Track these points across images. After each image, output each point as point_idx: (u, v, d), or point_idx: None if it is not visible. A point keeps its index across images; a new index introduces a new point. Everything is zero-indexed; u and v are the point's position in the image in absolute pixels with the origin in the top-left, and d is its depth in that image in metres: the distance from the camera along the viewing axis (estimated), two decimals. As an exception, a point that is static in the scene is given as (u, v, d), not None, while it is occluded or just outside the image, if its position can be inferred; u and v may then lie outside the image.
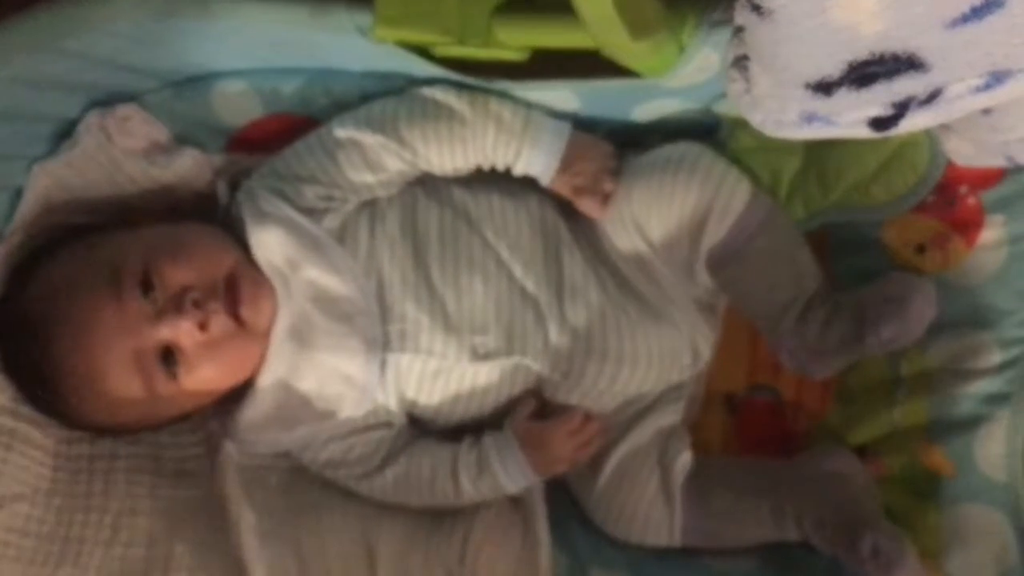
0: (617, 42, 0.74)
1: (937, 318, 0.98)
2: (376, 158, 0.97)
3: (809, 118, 0.67)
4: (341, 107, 1.00)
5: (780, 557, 1.04)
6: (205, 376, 0.94)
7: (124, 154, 0.97)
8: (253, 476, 1.03)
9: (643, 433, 1.05)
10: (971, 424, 0.98)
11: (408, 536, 1.01)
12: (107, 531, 0.99)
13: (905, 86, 0.63)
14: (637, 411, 1.06)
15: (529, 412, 1.03)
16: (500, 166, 0.99)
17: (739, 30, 0.68)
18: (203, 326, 0.92)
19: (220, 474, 1.02)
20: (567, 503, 1.08)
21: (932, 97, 0.64)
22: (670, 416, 1.07)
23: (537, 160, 0.98)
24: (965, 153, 0.87)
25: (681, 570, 1.05)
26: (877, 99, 0.64)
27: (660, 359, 1.02)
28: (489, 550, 0.99)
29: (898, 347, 0.99)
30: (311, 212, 0.98)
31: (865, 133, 0.67)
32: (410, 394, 1.00)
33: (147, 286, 0.92)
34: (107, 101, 0.97)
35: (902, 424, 1.02)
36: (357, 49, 0.90)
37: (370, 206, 1.01)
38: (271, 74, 0.99)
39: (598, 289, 1.01)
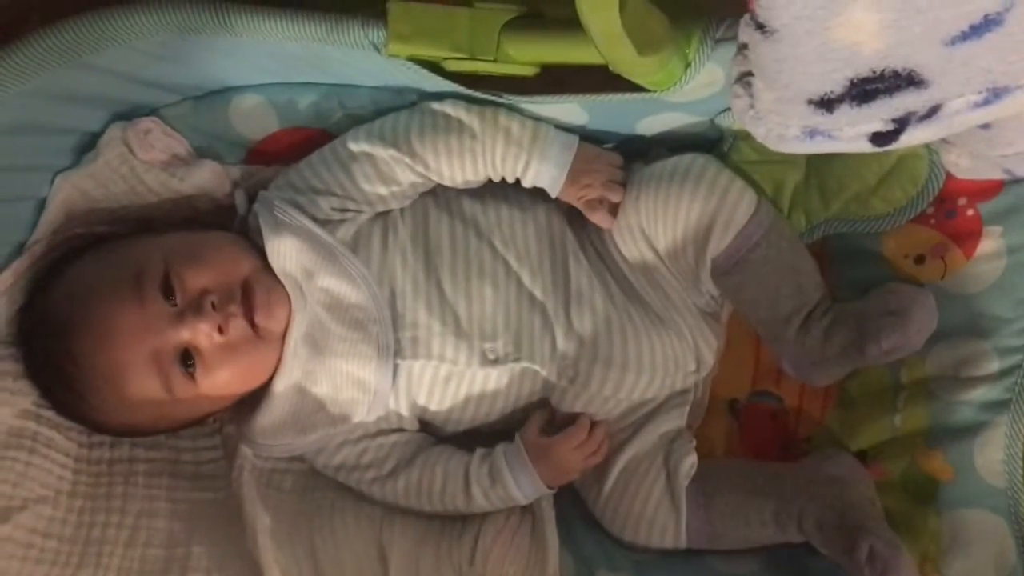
0: (624, 58, 0.75)
1: (936, 327, 0.99)
2: (389, 171, 0.99)
3: (811, 133, 0.68)
4: (355, 120, 1.02)
5: (783, 559, 1.05)
6: (222, 378, 0.96)
7: (145, 166, 0.99)
8: (269, 479, 1.05)
9: (648, 438, 1.06)
10: (971, 430, 0.99)
11: (419, 538, 1.03)
12: (127, 532, 1.00)
13: (905, 102, 0.64)
14: (642, 416, 1.07)
15: (540, 425, 1.04)
16: (510, 178, 1.01)
17: (743, 47, 0.69)
18: (221, 329, 0.94)
19: (237, 476, 1.03)
20: (575, 506, 1.09)
21: (932, 113, 0.65)
22: (674, 421, 1.08)
23: (546, 172, 0.99)
24: (964, 166, 0.88)
25: (686, 572, 1.05)
26: (878, 115, 0.65)
27: (665, 366, 1.03)
28: (498, 552, 1.00)
29: (898, 358, 1.00)
30: (326, 223, 0.99)
31: (866, 147, 0.68)
32: (421, 399, 1.02)
33: (168, 289, 0.94)
34: (128, 114, 0.99)
35: (902, 430, 1.03)
36: (371, 64, 0.91)
37: (383, 217, 1.02)
38: (287, 88, 1.01)
39: (604, 296, 1.02)
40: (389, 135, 0.99)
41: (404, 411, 1.03)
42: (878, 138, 0.67)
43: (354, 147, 0.99)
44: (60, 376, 0.95)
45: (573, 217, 1.06)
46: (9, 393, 0.96)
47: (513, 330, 1.00)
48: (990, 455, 0.98)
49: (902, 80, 0.63)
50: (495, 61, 0.88)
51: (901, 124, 0.66)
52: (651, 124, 1.01)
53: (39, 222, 0.97)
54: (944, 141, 0.87)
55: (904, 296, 0.99)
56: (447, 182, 1.01)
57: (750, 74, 0.71)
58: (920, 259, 1.02)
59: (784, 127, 0.70)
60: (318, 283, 0.98)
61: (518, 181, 1.01)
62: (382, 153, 0.98)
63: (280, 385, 1.00)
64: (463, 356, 0.99)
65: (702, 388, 1.12)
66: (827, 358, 1.01)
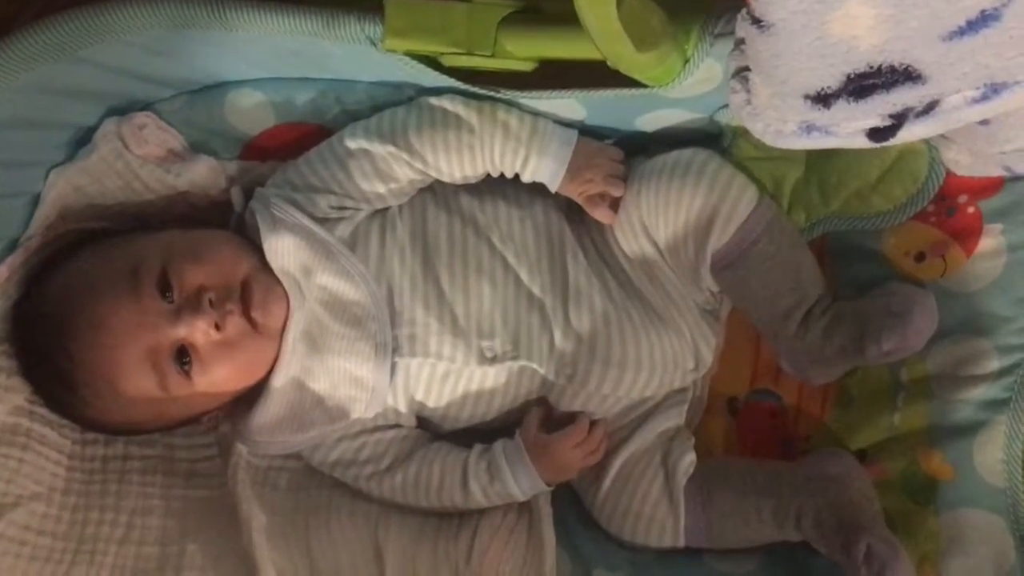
0: (622, 53, 0.75)
1: (937, 325, 0.99)
2: (387, 168, 0.98)
3: (808, 128, 0.68)
4: (352, 116, 1.02)
5: (782, 559, 1.05)
6: (218, 376, 0.95)
7: (139, 161, 0.99)
8: (264, 477, 1.05)
9: (646, 436, 1.06)
10: (970, 429, 0.98)
11: (415, 536, 1.02)
12: (121, 530, 1.00)
13: (902, 98, 0.64)
14: (640, 415, 1.07)
15: (538, 422, 1.04)
16: (508, 173, 1.00)
17: (740, 42, 0.69)
18: (218, 326, 0.93)
19: (231, 474, 1.03)
20: (572, 505, 1.09)
21: (929, 108, 0.65)
22: (673, 419, 1.08)
23: (545, 167, 0.99)
24: (963, 163, 0.88)
25: (684, 572, 1.05)
26: (875, 110, 0.65)
27: (663, 364, 1.03)
28: (495, 550, 1.00)
29: (898, 359, 1.00)
30: (324, 220, 0.99)
31: (863, 143, 0.68)
32: (419, 397, 1.01)
33: (165, 286, 0.93)
34: (123, 109, 0.99)
35: (902, 429, 1.03)
36: (368, 59, 0.91)
37: (381, 214, 1.02)
38: (284, 83, 1.00)
39: (602, 294, 1.02)
40: (387, 131, 0.98)
41: (402, 408, 1.02)
42: (875, 134, 0.67)
43: (351, 144, 0.98)
44: (54, 372, 0.95)
45: (572, 214, 1.06)
46: (2, 390, 0.95)
47: (511, 328, 0.99)
48: (990, 454, 0.97)
49: (899, 75, 0.63)
50: (492, 56, 0.88)
51: (899, 120, 0.66)
52: (650, 120, 1.01)
53: (33, 218, 0.97)
54: (944, 138, 0.87)
55: (905, 297, 0.98)
56: (445, 178, 1.01)
57: (747, 69, 0.71)
58: (920, 257, 1.01)
59: (781, 122, 0.70)
60: (316, 281, 0.98)
61: (517, 177, 1.01)
62: (380, 150, 0.98)
63: (278, 382, 0.99)
64: (460, 354, 0.99)
65: (701, 386, 1.11)
66: (826, 356, 1.00)
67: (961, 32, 0.60)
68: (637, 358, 1.01)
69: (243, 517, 1.00)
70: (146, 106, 1.00)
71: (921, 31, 0.60)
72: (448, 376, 1.00)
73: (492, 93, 0.96)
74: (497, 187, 1.04)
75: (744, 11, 0.65)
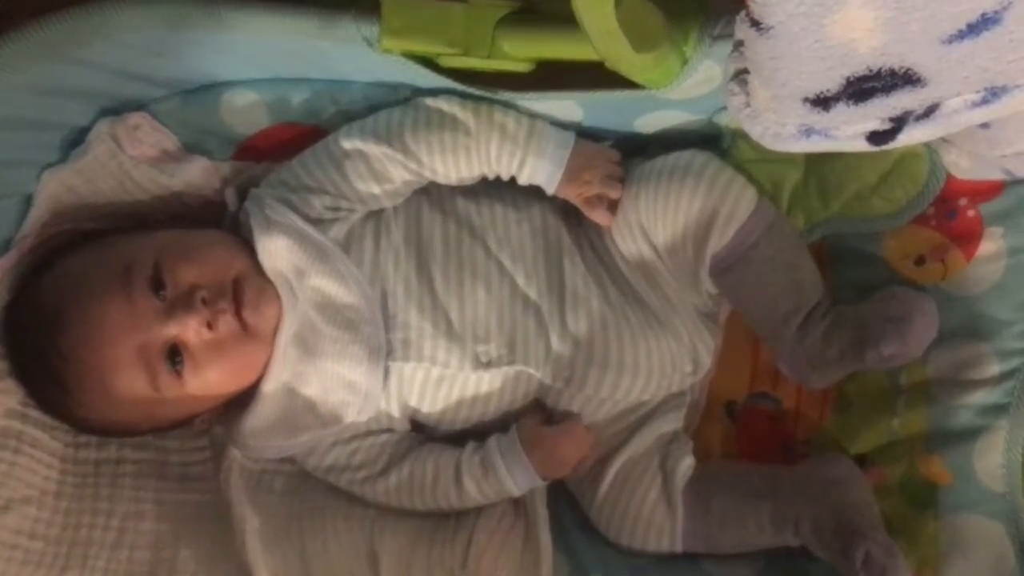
0: (620, 55, 0.74)
1: (937, 331, 0.99)
2: (382, 168, 0.98)
3: (808, 131, 0.68)
4: (348, 116, 1.01)
5: (780, 564, 1.04)
6: (209, 378, 0.95)
7: (133, 162, 0.99)
8: (258, 480, 1.05)
9: (644, 440, 1.05)
10: (970, 434, 0.98)
11: (411, 540, 1.02)
12: (113, 534, 1.00)
13: (902, 101, 0.64)
14: (638, 418, 1.06)
15: (538, 420, 1.03)
16: (504, 175, 1.00)
17: (739, 45, 0.68)
18: (211, 325, 0.93)
19: (225, 478, 1.03)
20: (569, 509, 1.09)
21: (929, 112, 0.65)
22: (671, 423, 1.07)
23: (542, 169, 0.98)
24: (964, 166, 0.88)
25: (681, 576, 1.05)
26: (874, 113, 0.65)
27: (661, 368, 1.03)
28: (491, 554, 0.99)
29: (897, 365, 0.99)
30: (318, 222, 0.99)
31: (863, 146, 0.68)
32: (413, 402, 1.01)
33: (157, 284, 0.93)
34: (117, 109, 0.99)
35: (901, 434, 1.03)
36: (364, 59, 0.91)
37: (376, 216, 1.02)
38: (279, 84, 1.00)
39: (599, 298, 1.01)
40: (382, 132, 0.98)
41: (395, 412, 1.02)
42: (875, 137, 0.67)
43: (347, 144, 0.98)
44: (46, 371, 0.94)
45: (569, 217, 1.05)
46: (-5, 392, 0.95)
47: (507, 332, 0.99)
48: (989, 459, 0.97)
49: (899, 79, 0.62)
50: (490, 57, 0.87)
51: (899, 123, 0.66)
52: (648, 122, 1.00)
53: (26, 218, 0.96)
54: (944, 141, 0.87)
55: (906, 302, 0.98)
56: (441, 179, 1.00)
57: (746, 72, 0.71)
58: (920, 260, 1.01)
59: (780, 125, 0.70)
60: (309, 283, 0.98)
61: (513, 180, 1.01)
62: (375, 150, 0.97)
63: (269, 386, 0.99)
64: (455, 359, 0.98)
65: (699, 390, 1.11)
66: (825, 361, 1.00)
67: (961, 35, 0.59)
68: (634, 362, 1.01)
69: (237, 521, 1.00)
70: (140, 106, 1.00)
71: (921, 34, 0.59)
72: (442, 381, 1.00)
73: (489, 94, 0.95)
74: (493, 190, 1.04)
75: (743, 13, 0.64)
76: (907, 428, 1.02)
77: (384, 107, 1.00)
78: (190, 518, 1.03)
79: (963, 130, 0.70)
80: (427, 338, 0.98)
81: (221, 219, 1.03)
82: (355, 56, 0.91)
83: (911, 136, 0.66)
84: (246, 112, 1.01)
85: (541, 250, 1.02)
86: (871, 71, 0.62)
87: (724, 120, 0.98)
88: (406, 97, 1.00)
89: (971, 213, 0.97)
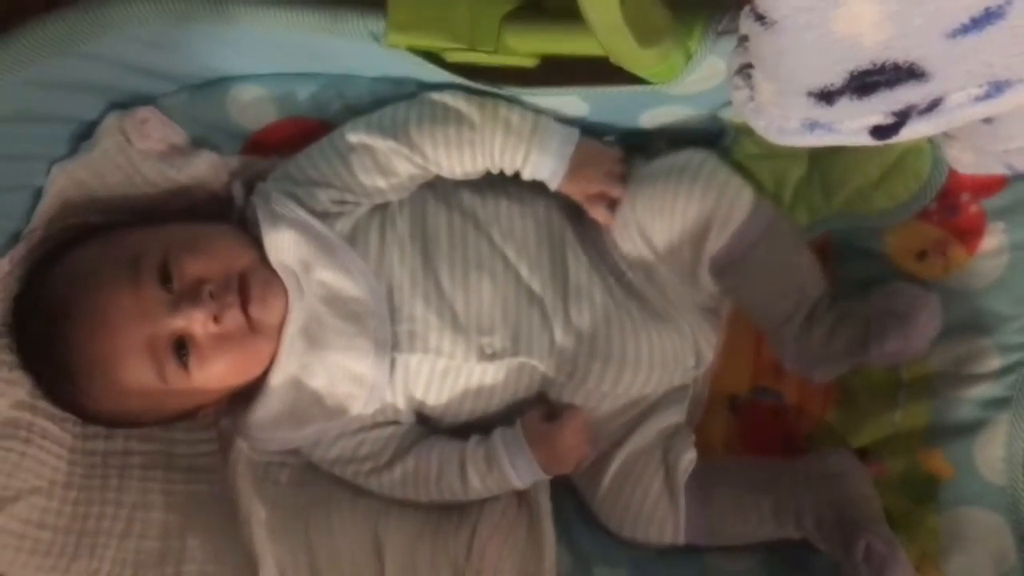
0: (625, 49, 0.74)
1: (940, 327, 0.99)
2: (388, 163, 0.98)
3: (811, 126, 0.68)
4: (354, 111, 1.02)
5: (782, 557, 1.05)
6: (215, 370, 0.95)
7: (142, 156, 0.99)
8: (264, 471, 1.05)
9: (647, 433, 1.06)
10: (971, 428, 0.98)
11: (415, 531, 1.02)
12: (121, 524, 1.01)
13: (906, 95, 0.64)
14: (641, 412, 1.07)
15: (542, 413, 1.03)
16: (508, 170, 1.00)
17: (743, 39, 0.69)
18: (217, 318, 0.93)
19: (232, 469, 1.04)
20: (572, 501, 1.09)
21: (932, 106, 0.65)
22: (674, 416, 1.08)
23: (545, 165, 0.99)
24: (966, 161, 0.88)
25: (683, 569, 1.05)
26: (878, 108, 0.65)
27: (663, 361, 1.03)
28: (495, 545, 1.00)
29: (901, 360, 1.00)
30: (324, 215, 0.99)
31: (866, 141, 0.68)
32: (418, 394, 1.01)
33: (165, 276, 0.94)
34: (126, 103, 0.99)
35: (903, 427, 1.03)
36: (370, 54, 0.91)
37: (381, 209, 1.02)
38: (286, 78, 1.00)
39: (602, 291, 1.02)
40: (388, 126, 0.98)
41: (401, 405, 1.02)
42: (879, 131, 0.67)
43: (352, 138, 0.98)
44: (54, 361, 0.95)
45: (573, 213, 1.05)
46: (4, 383, 0.96)
47: (511, 324, 0.99)
48: (991, 453, 0.97)
49: (903, 73, 0.62)
50: (495, 52, 0.87)
51: (902, 117, 0.66)
52: (652, 117, 1.00)
53: (35, 212, 0.97)
54: (947, 136, 0.87)
55: (909, 298, 0.98)
56: (446, 173, 1.00)
57: (750, 66, 0.71)
58: (922, 255, 1.01)
59: (784, 120, 0.70)
60: (315, 276, 0.98)
61: (518, 175, 1.01)
62: (380, 144, 0.98)
63: (276, 379, 0.99)
64: (460, 350, 0.99)
65: (701, 384, 1.11)
66: (829, 356, 1.00)
67: (965, 29, 0.59)
68: (637, 355, 1.01)
69: (243, 511, 1.00)
70: (148, 101, 1.00)
71: (925, 28, 0.60)
72: (447, 372, 1.00)
73: (494, 89, 0.96)
74: (499, 184, 1.04)
75: (748, 8, 0.64)
76: (908, 422, 1.03)
77: (390, 101, 1.01)
78: (197, 508, 1.03)
79: (966, 125, 0.70)
80: (432, 330, 0.98)
81: (228, 213, 1.03)
82: (361, 51, 0.91)
83: (914, 131, 0.66)
84: (253, 107, 1.02)
85: (545, 243, 1.02)
86: (875, 65, 0.62)
87: (728, 115, 0.98)
88: (412, 92, 1.00)
89: (973, 208, 0.97)
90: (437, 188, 1.04)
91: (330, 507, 1.04)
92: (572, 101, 0.97)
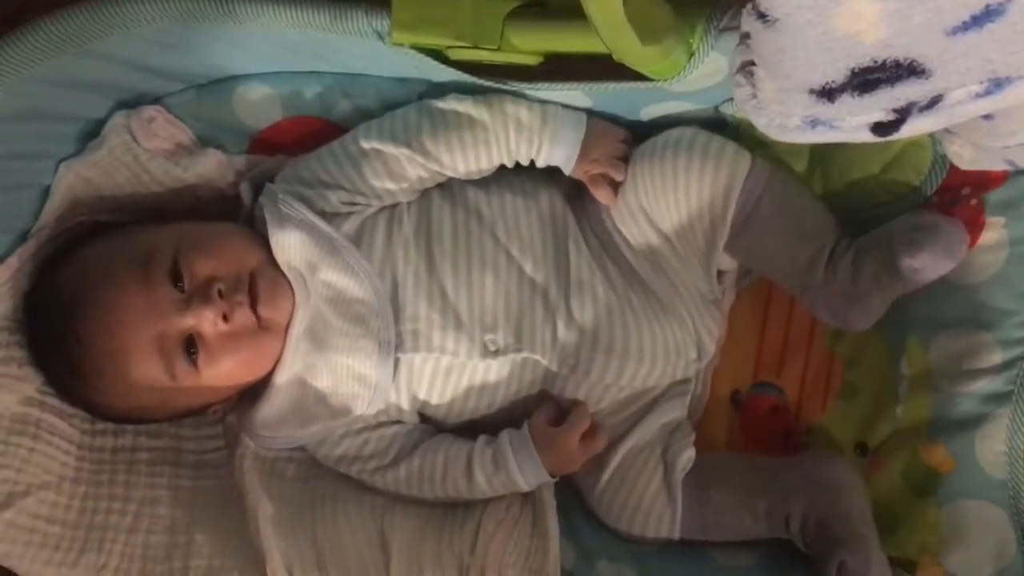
0: (628, 47, 0.75)
1: (939, 317, 1.00)
2: (399, 168, 0.99)
3: (812, 123, 0.68)
4: (359, 109, 1.02)
5: (783, 553, 1.04)
6: (224, 368, 0.96)
7: (148, 154, 1.00)
8: (271, 468, 1.06)
9: (648, 428, 1.06)
10: (972, 422, 0.98)
11: (421, 527, 1.03)
12: (129, 519, 1.01)
13: (906, 92, 0.64)
14: (643, 406, 1.07)
15: (548, 417, 1.03)
16: (524, 161, 1.01)
17: (745, 37, 0.69)
18: (227, 317, 0.94)
19: (239, 465, 1.04)
20: (575, 496, 1.10)
21: (933, 103, 0.65)
22: (675, 411, 1.08)
23: (559, 153, 1.00)
24: (967, 157, 0.87)
25: (685, 565, 1.05)
26: (879, 105, 0.65)
27: (665, 353, 1.03)
28: (499, 540, 1.00)
29: (931, 279, 0.96)
30: (333, 216, 1.00)
31: (867, 137, 0.68)
32: (422, 394, 1.02)
33: (176, 275, 0.94)
34: (133, 102, 1.00)
35: (904, 421, 1.03)
36: (375, 53, 0.91)
37: (389, 209, 1.03)
38: (291, 77, 1.01)
39: (604, 284, 1.02)
40: (400, 134, 0.99)
41: (405, 405, 1.03)
42: (880, 128, 0.67)
43: (364, 144, 0.99)
44: (64, 357, 0.96)
45: (574, 202, 1.06)
46: (14, 379, 0.96)
47: (514, 320, 1.00)
48: (991, 447, 0.97)
49: (903, 70, 0.63)
50: (499, 50, 0.88)
51: (903, 114, 0.66)
52: (654, 112, 1.01)
53: (43, 210, 0.98)
54: (947, 131, 0.87)
55: (932, 217, 0.97)
56: (461, 175, 1.01)
57: (752, 63, 0.71)
58: (923, 249, 1.01)
59: (786, 117, 0.70)
60: (321, 277, 0.99)
61: (519, 164, 1.02)
62: (393, 151, 0.98)
63: (281, 378, 1.00)
64: (464, 348, 0.99)
65: (703, 378, 1.12)
66: (861, 291, 0.98)
67: (965, 27, 0.60)
68: (639, 347, 1.02)
69: (250, 507, 1.01)
70: (155, 100, 1.01)
71: (925, 26, 0.60)
72: (451, 371, 1.01)
73: (498, 85, 0.96)
74: (502, 177, 1.05)
75: (749, 6, 0.65)
76: (910, 416, 1.03)
77: (395, 100, 1.02)
78: (204, 504, 1.04)
79: (966, 121, 0.70)
80: (436, 328, 0.99)
81: (235, 212, 1.04)
82: (366, 49, 0.91)
83: (915, 127, 0.66)
84: (259, 106, 1.02)
85: (549, 238, 1.03)
86: (876, 63, 0.62)
87: (730, 111, 0.98)
88: (416, 90, 1.01)
89: (973, 202, 0.97)
90: (443, 186, 1.04)
91: (336, 502, 1.04)
92: (575, 96, 0.98)
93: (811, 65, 0.64)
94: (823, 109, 0.67)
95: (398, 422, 1.05)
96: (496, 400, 1.04)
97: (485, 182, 1.04)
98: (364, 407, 1.00)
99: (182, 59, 0.96)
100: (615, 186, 1.02)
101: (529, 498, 1.05)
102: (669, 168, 0.99)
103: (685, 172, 0.98)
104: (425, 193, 1.04)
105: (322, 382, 1.00)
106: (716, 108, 0.99)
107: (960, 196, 0.98)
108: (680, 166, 0.99)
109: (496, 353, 1.00)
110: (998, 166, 0.89)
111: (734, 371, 1.14)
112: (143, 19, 0.89)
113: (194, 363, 0.95)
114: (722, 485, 1.04)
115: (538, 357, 1.00)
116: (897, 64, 0.62)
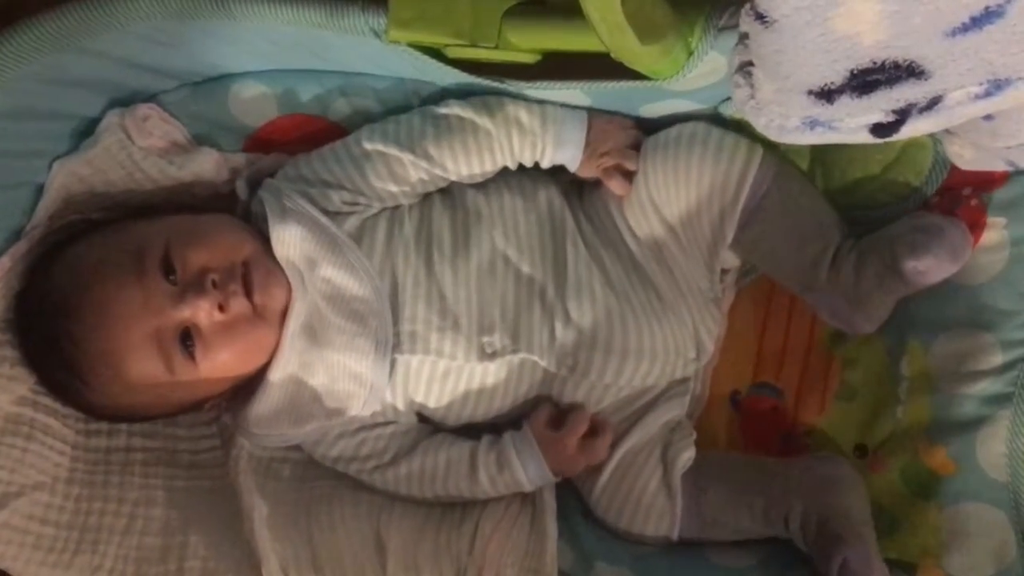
0: (626, 46, 0.74)
1: (939, 318, 0.99)
2: (402, 172, 0.99)
3: (812, 124, 0.68)
4: (356, 108, 1.02)
5: (782, 554, 1.04)
6: (221, 359, 0.96)
7: (143, 153, 1.00)
8: (267, 468, 1.06)
9: (648, 428, 1.06)
10: (973, 424, 0.98)
11: (418, 527, 1.03)
12: (124, 520, 1.01)
13: (905, 93, 0.64)
14: (642, 405, 1.07)
15: (547, 417, 1.03)
16: (528, 163, 1.01)
17: (744, 37, 0.69)
18: (222, 307, 0.94)
19: (234, 465, 1.04)
20: (574, 498, 1.09)
21: (932, 104, 0.65)
22: (675, 410, 1.08)
23: (563, 153, 1.00)
24: (967, 157, 0.87)
25: (684, 566, 1.05)
26: (878, 106, 0.65)
27: (665, 352, 1.03)
28: (497, 541, 1.00)
29: (934, 281, 0.95)
30: (335, 215, 1.00)
31: (867, 139, 0.68)
32: (419, 397, 1.02)
33: (168, 268, 0.94)
34: (127, 100, 0.99)
35: (904, 423, 1.03)
36: (371, 51, 0.91)
37: (391, 210, 1.03)
38: (287, 75, 1.01)
39: (602, 283, 1.02)
40: (404, 140, 0.99)
41: (401, 406, 1.03)
42: (879, 129, 0.67)
43: (368, 146, 0.99)
44: (58, 357, 0.95)
45: (572, 199, 1.06)
46: (6, 379, 0.96)
47: (511, 322, 0.99)
48: (992, 449, 0.97)
49: (903, 71, 0.62)
50: (497, 48, 0.87)
51: (902, 115, 0.66)
52: (653, 111, 1.01)
53: (37, 208, 0.97)
54: (948, 132, 0.87)
55: (935, 218, 0.96)
56: (465, 180, 1.02)
57: (751, 64, 0.71)
58: (924, 249, 1.01)
59: (785, 118, 0.70)
60: (320, 273, 0.98)
61: (522, 164, 1.02)
62: (397, 154, 0.98)
63: (276, 375, 1.00)
64: (461, 351, 0.99)
65: (702, 377, 1.11)
66: (865, 292, 0.98)
67: (965, 28, 0.59)
68: (638, 346, 1.01)
69: (245, 507, 1.01)
70: (149, 97, 1.01)
71: (925, 27, 0.60)
72: (448, 374, 1.00)
73: (497, 85, 0.96)
74: (502, 176, 1.04)
75: (748, 6, 0.65)
76: (910, 417, 1.02)
77: (392, 98, 1.01)
78: (199, 504, 1.04)
79: (966, 122, 0.70)
80: (434, 330, 0.98)
81: (230, 210, 1.04)
82: (363, 47, 0.91)
83: (914, 128, 0.66)
84: (254, 103, 1.02)
85: (548, 238, 1.03)
86: (875, 64, 0.62)
87: (729, 111, 0.98)
88: (413, 88, 1.01)
89: (974, 203, 0.97)
90: (444, 189, 1.04)
91: (332, 503, 1.04)
92: (574, 95, 0.97)
93: (810, 66, 0.64)
94: (822, 110, 0.67)
95: (394, 422, 1.05)
96: (494, 404, 1.04)
97: (484, 182, 1.04)
98: (359, 407, 1.00)
99: (176, 56, 0.96)
100: (628, 176, 1.02)
101: (528, 498, 1.05)
102: (683, 162, 0.99)
103: (699, 165, 0.98)
104: (427, 196, 1.04)
105: (318, 380, 1.00)
106: (715, 107, 0.98)
107: (961, 196, 0.98)
108: (694, 159, 0.98)
109: (493, 355, 0.99)
110: (999, 166, 0.88)
111: (733, 371, 1.13)
112: (137, 16, 0.89)
113: (191, 355, 0.94)
114: (721, 484, 1.04)
115: (536, 358, 1.00)
116: (896, 65, 0.62)
